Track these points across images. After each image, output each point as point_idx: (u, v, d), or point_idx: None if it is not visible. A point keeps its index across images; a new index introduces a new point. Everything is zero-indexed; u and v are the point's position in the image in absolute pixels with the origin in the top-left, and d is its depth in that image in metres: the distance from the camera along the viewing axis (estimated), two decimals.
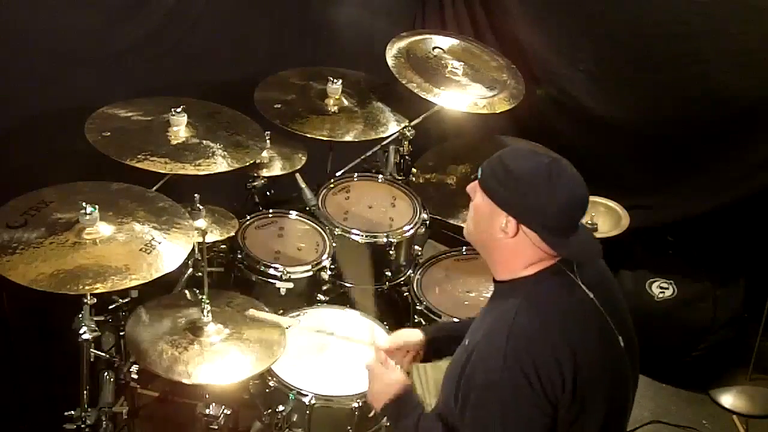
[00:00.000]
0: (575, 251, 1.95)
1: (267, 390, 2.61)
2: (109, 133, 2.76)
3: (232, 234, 2.92)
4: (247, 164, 2.89)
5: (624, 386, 2.04)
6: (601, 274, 2.07)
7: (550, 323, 1.89)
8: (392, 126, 3.35)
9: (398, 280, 3.18)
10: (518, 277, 1.98)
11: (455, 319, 2.87)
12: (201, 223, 2.79)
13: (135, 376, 2.59)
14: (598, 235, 3.25)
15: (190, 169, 2.72)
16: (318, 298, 3.03)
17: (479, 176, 2.00)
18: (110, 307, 2.67)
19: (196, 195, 2.81)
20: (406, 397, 2.16)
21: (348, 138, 3.25)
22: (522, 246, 1.95)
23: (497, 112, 3.34)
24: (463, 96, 3.32)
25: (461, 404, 1.91)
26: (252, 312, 2.60)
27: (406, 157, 3.44)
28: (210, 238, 2.79)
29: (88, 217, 2.37)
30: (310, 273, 2.99)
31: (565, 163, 1.97)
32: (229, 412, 2.55)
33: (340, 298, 3.11)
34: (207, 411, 2.51)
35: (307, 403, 2.54)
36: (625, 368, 2.02)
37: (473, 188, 2.03)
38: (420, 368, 2.63)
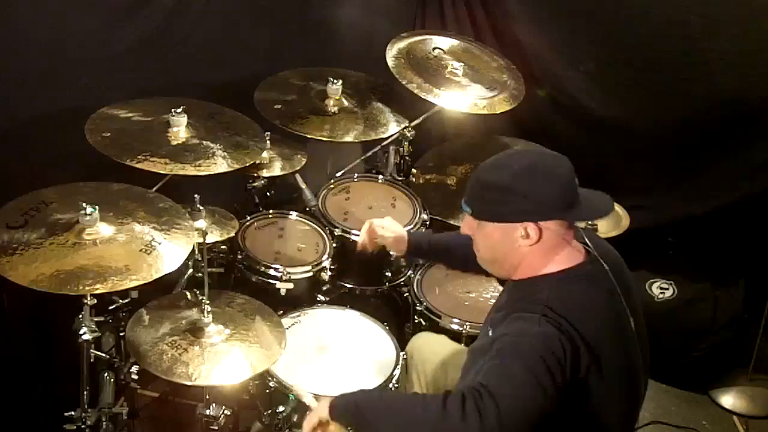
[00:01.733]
0: (591, 211, 2.00)
1: (267, 390, 2.61)
2: (109, 134, 2.75)
3: (232, 234, 2.92)
4: (247, 165, 2.89)
5: (636, 376, 2.06)
6: (621, 266, 2.11)
7: (577, 310, 1.89)
8: (392, 126, 3.35)
9: (398, 281, 3.18)
10: (541, 275, 1.99)
11: (455, 319, 2.87)
12: (201, 223, 2.79)
13: (135, 377, 2.60)
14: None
15: (190, 170, 2.71)
16: (318, 299, 3.03)
17: (471, 212, 2.01)
18: (110, 307, 2.67)
19: (196, 195, 2.81)
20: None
21: (348, 138, 3.25)
22: (549, 242, 1.97)
23: (497, 112, 3.35)
24: (463, 96, 3.32)
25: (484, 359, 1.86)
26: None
27: (406, 158, 3.45)
28: (210, 238, 2.79)
29: (88, 217, 2.36)
30: (310, 274, 2.99)
31: (523, 148, 2.01)
32: (229, 413, 2.55)
33: (340, 298, 3.11)
34: (207, 411, 2.52)
35: (307, 404, 2.54)
36: (636, 359, 2.04)
37: (470, 226, 2.04)
38: (419, 368, 2.64)
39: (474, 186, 2.00)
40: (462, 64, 3.45)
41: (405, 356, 2.70)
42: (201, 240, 2.56)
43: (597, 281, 1.98)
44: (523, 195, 1.92)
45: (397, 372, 2.65)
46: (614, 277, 2.00)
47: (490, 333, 1.99)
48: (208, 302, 2.50)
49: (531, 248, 1.96)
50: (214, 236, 2.85)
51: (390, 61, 3.35)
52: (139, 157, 2.68)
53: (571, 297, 1.93)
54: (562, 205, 1.94)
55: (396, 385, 2.63)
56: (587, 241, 2.04)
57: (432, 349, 2.65)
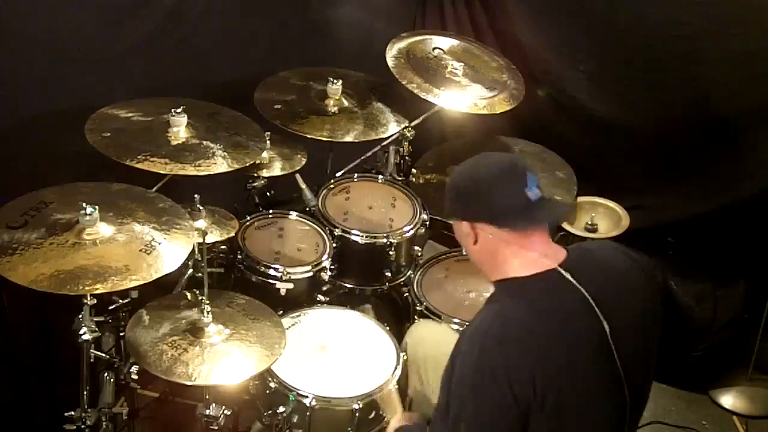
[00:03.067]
0: (536, 220, 1.97)
1: (267, 391, 2.61)
2: (109, 134, 2.75)
3: (232, 235, 2.92)
4: (247, 165, 2.89)
5: (614, 388, 1.94)
6: (608, 270, 2.03)
7: (527, 327, 1.87)
8: (392, 126, 3.35)
9: (398, 281, 3.17)
10: (507, 278, 1.99)
11: (455, 319, 2.86)
12: (201, 223, 2.79)
13: (135, 377, 2.59)
14: (597, 236, 3.25)
15: (190, 170, 2.71)
16: (318, 299, 3.03)
17: None
18: (110, 307, 2.67)
19: (196, 195, 2.81)
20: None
21: (348, 138, 3.25)
22: (489, 243, 1.99)
23: (497, 112, 3.34)
24: (463, 96, 3.32)
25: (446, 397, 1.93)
26: None
27: (406, 158, 3.44)
28: (210, 238, 2.78)
29: (88, 217, 2.36)
30: (310, 274, 2.99)
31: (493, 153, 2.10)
32: (229, 413, 2.55)
33: (340, 298, 3.11)
34: (207, 412, 2.51)
35: (308, 405, 2.54)
36: (613, 369, 1.93)
37: None
38: (420, 365, 2.64)
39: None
40: (462, 64, 3.45)
41: (405, 356, 2.70)
42: (201, 240, 2.56)
43: (563, 290, 1.93)
44: (459, 197, 2.03)
45: (398, 372, 2.65)
46: (605, 282, 1.96)
47: None
48: (207, 302, 2.50)
49: (480, 247, 2.01)
50: (214, 236, 2.85)
51: (390, 61, 3.35)
52: (139, 157, 2.68)
53: (519, 316, 1.90)
54: (495, 209, 1.96)
55: (396, 386, 2.63)
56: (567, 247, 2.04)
57: (433, 340, 2.66)
